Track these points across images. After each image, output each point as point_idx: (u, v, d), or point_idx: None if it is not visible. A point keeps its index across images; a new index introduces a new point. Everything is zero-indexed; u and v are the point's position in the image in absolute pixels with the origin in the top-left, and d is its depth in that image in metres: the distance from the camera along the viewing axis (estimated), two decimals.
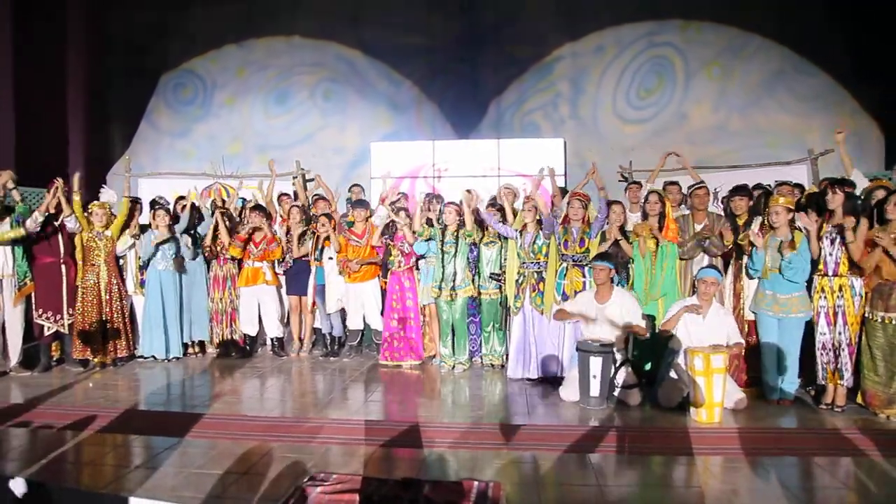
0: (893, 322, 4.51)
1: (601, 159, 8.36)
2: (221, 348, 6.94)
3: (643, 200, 5.79)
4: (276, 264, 7.00)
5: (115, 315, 6.40)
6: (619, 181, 8.52)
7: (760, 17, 9.05)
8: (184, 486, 3.43)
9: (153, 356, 6.65)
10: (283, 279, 7.11)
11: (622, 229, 5.73)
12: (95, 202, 6.51)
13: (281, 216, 7.41)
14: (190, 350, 6.95)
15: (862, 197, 4.95)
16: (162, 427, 4.46)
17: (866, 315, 4.68)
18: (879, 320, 4.58)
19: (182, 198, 7.21)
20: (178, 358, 6.72)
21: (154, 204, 7.00)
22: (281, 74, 10.15)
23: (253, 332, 7.02)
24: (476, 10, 9.75)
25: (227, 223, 6.89)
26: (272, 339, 7.09)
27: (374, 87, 9.97)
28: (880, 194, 4.81)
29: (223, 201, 7.50)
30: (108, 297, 6.35)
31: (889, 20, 8.03)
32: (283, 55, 10.09)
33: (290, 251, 6.92)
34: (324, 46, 10.03)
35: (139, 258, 6.71)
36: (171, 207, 6.94)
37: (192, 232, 6.86)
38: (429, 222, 6.34)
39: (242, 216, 7.17)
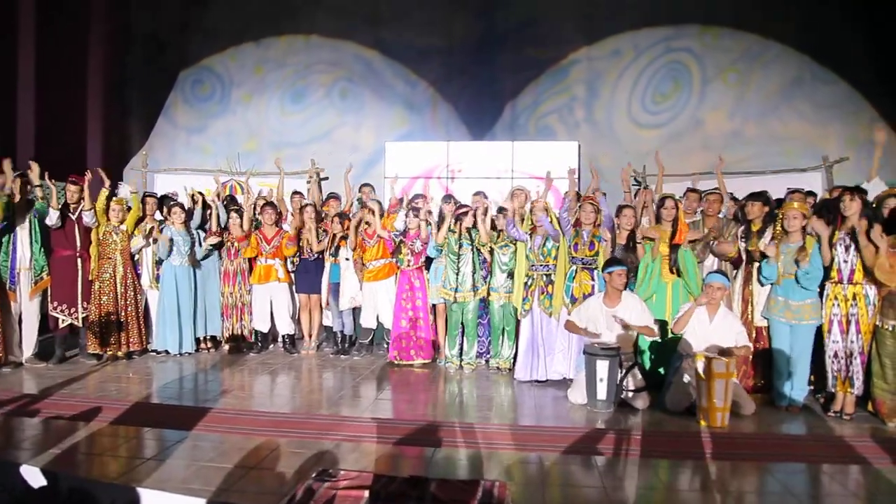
0: None
1: (616, 163, 8.36)
2: (230, 342, 7.00)
3: (658, 206, 5.77)
4: (288, 262, 7.06)
5: (130, 309, 6.49)
6: (633, 185, 8.50)
7: (780, 25, 8.99)
8: (193, 478, 3.48)
9: (166, 350, 6.73)
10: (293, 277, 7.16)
11: (632, 234, 5.72)
12: (113, 198, 6.61)
13: (291, 214, 7.45)
14: (202, 345, 7.02)
15: (874, 204, 4.92)
16: (173, 420, 4.53)
17: (877, 324, 4.65)
18: (890, 329, 4.56)
19: (199, 193, 7.29)
20: (190, 353, 6.79)
21: (167, 199, 7.08)
22: (298, 73, 10.22)
23: (265, 328, 7.09)
24: (494, 12, 9.77)
25: (238, 223, 6.97)
26: (283, 336, 7.15)
27: (391, 87, 10.01)
28: (893, 203, 4.78)
29: (233, 199, 7.57)
30: (122, 291, 6.44)
31: None
32: (300, 53, 10.16)
33: (303, 249, 6.96)
34: (342, 46, 10.09)
35: (155, 253, 6.79)
36: (185, 203, 7.01)
37: (207, 228, 6.94)
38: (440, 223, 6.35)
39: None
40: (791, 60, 8.99)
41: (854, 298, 4.74)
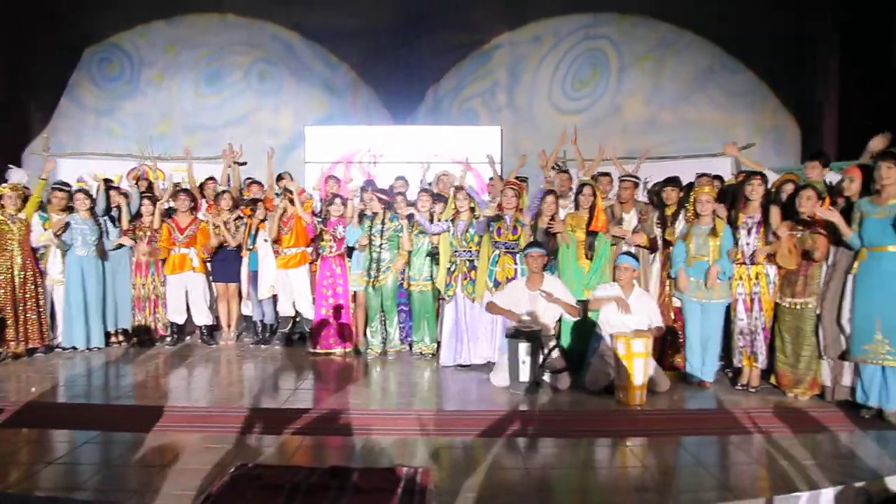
0: (799, 307, 4.76)
1: (536, 148, 8.42)
2: (143, 336, 6.69)
3: (576, 192, 5.88)
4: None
5: (30, 303, 6.06)
6: (553, 168, 8.65)
7: (692, 15, 9.33)
8: (104, 481, 3.32)
9: (73, 346, 6.36)
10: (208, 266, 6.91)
11: (553, 218, 5.80)
12: (5, 184, 6.15)
13: (207, 202, 7.17)
14: (113, 339, 6.68)
15: (773, 189, 5.19)
16: (81, 420, 4.29)
17: (778, 301, 4.92)
18: (788, 305, 4.83)
19: (107, 180, 6.91)
20: (100, 348, 6.44)
21: (68, 186, 6.65)
22: (213, 53, 9.86)
23: (181, 320, 6.81)
24: None
25: (151, 212, 6.65)
26: (201, 328, 6.90)
27: (311, 70, 9.81)
28: (789, 188, 5.05)
29: (148, 184, 7.23)
30: (21, 284, 6.00)
31: (808, 25, 8.42)
32: (215, 33, 9.80)
33: (223, 238, 6.72)
34: (259, 26, 9.80)
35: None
36: (89, 190, 6.63)
37: (114, 216, 6.59)
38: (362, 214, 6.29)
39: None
40: (703, 50, 9.37)
41: (756, 278, 4.99)
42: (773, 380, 5.05)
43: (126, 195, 6.72)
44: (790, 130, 8.95)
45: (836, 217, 4.38)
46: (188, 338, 7.03)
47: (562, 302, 5.19)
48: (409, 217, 6.02)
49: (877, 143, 5.10)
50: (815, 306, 4.71)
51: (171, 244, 6.61)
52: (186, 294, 6.73)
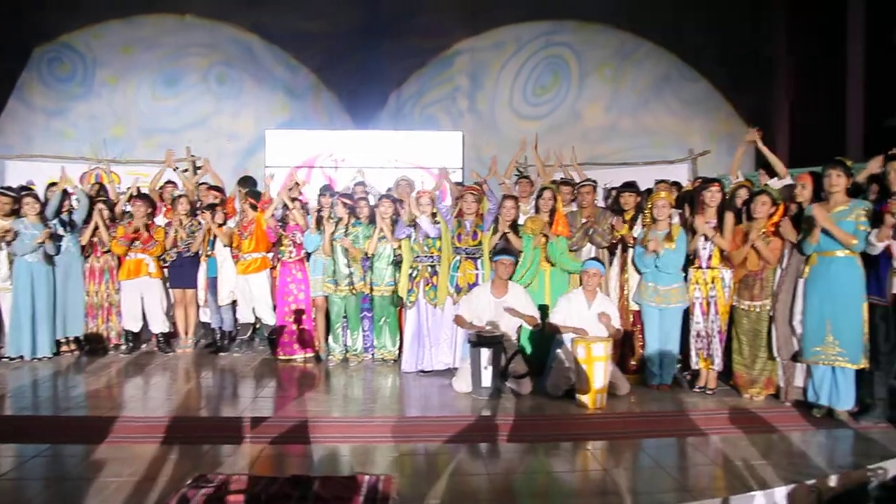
0: (756, 310, 4.88)
1: (498, 154, 8.51)
2: (95, 344, 6.49)
3: (537, 196, 5.94)
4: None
5: None
6: (514, 174, 8.72)
7: (650, 25, 9.52)
8: (54, 497, 3.21)
9: (20, 356, 6.13)
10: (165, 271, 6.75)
11: (514, 223, 5.84)
12: None
13: (165, 206, 7.01)
14: (64, 348, 6.45)
15: (728, 195, 5.32)
16: (28, 433, 4.14)
17: (734, 304, 5.04)
18: (745, 308, 4.95)
19: (54, 184, 6.69)
20: (49, 357, 6.22)
21: (21, 189, 6.44)
22: (171, 55, 9.67)
23: (136, 328, 6.63)
24: (379, 0, 9.66)
25: (107, 216, 6.46)
26: (157, 335, 6.73)
27: (271, 73, 9.70)
28: (743, 193, 5.19)
29: (101, 188, 7.03)
30: None
31: (759, 37, 8.68)
32: (173, 34, 9.61)
33: (177, 245, 6.56)
34: (218, 28, 9.65)
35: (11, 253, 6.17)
36: (39, 194, 6.42)
37: (65, 219, 6.39)
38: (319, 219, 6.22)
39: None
40: (661, 59, 9.57)
41: (713, 282, 5.10)
42: (728, 381, 5.17)
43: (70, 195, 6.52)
44: (742, 138, 9.18)
45: (828, 224, 4.31)
46: (144, 346, 6.85)
47: (525, 316, 5.21)
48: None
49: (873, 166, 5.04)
50: (770, 308, 4.84)
51: (127, 247, 6.42)
52: (142, 300, 6.56)
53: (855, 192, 4.58)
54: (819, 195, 4.67)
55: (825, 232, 4.34)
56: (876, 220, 4.19)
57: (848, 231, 4.29)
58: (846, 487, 3.36)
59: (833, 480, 3.44)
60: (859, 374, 4.41)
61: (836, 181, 4.39)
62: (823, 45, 7.24)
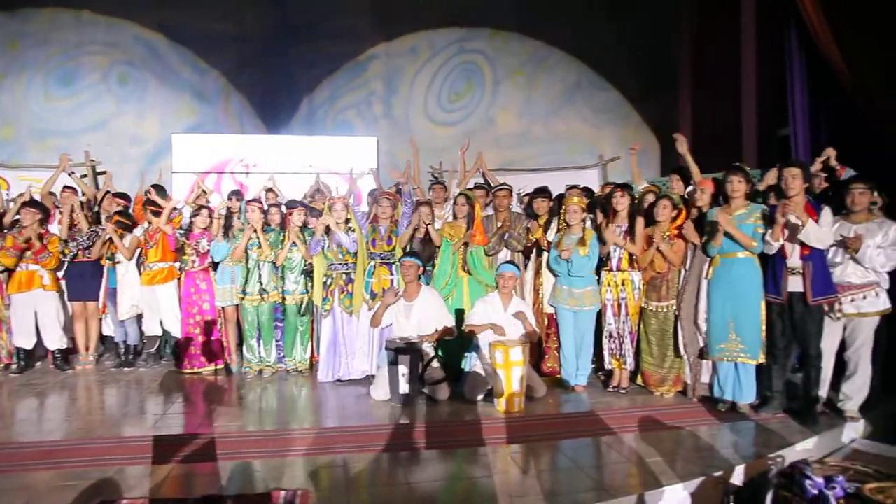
0: (663, 310, 5.07)
1: (412, 159, 8.52)
2: None
3: (452, 202, 5.96)
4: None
5: None
6: (430, 181, 8.74)
7: (560, 33, 9.77)
8: None
9: None
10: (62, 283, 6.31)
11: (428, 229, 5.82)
12: None
13: (60, 212, 6.55)
14: None
15: (636, 199, 5.51)
16: None
17: (643, 305, 5.21)
18: (653, 309, 5.12)
19: None
20: None
21: None
22: (66, 52, 9.09)
23: (29, 345, 6.16)
24: (287, 2, 9.46)
25: None
26: (54, 353, 6.28)
27: (178, 75, 9.29)
28: (650, 198, 5.39)
29: None
30: None
31: (664, 50, 9.08)
32: (68, 30, 9.03)
33: (75, 253, 6.16)
34: (119, 25, 9.15)
35: None
36: None
37: None
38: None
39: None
40: (571, 66, 9.84)
41: (623, 284, 5.26)
42: (639, 380, 5.34)
43: None
44: (651, 145, 9.57)
45: (731, 228, 4.53)
46: (38, 364, 6.38)
47: (435, 334, 5.21)
48: (327, 230, 5.66)
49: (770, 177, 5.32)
50: (676, 308, 5.03)
51: (17, 258, 5.95)
52: (35, 315, 6.11)
53: (754, 199, 4.86)
54: (717, 200, 4.91)
55: (727, 235, 4.56)
56: (772, 222, 4.43)
57: (748, 233, 4.54)
58: (749, 476, 3.52)
59: (738, 471, 3.60)
60: (758, 368, 4.66)
61: (738, 186, 4.63)
62: (722, 57, 7.64)
